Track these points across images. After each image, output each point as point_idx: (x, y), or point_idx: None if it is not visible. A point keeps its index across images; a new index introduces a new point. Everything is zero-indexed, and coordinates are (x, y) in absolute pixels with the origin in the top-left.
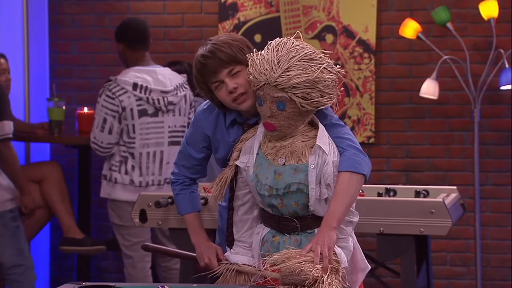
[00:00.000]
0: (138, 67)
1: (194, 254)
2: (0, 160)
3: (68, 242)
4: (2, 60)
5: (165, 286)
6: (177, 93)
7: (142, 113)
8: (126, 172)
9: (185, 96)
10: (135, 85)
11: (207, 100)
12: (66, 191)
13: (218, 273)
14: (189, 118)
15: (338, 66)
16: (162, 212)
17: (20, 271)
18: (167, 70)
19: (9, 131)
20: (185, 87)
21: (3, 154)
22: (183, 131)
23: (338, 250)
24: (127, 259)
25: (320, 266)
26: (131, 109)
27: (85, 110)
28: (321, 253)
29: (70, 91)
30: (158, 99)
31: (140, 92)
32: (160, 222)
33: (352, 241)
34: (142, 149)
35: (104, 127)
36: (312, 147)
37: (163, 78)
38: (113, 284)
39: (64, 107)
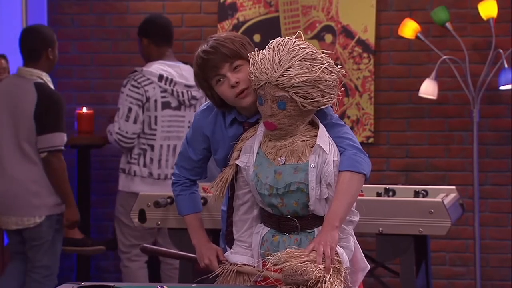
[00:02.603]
0: (162, 61)
1: (194, 255)
2: (49, 171)
3: (67, 242)
4: (3, 61)
5: (164, 286)
6: (199, 89)
7: (166, 105)
8: (145, 165)
9: None
10: (160, 77)
11: (207, 101)
12: None
13: (218, 274)
14: None
15: (338, 66)
16: (161, 212)
17: (45, 273)
18: (188, 67)
19: (60, 143)
20: None
21: (53, 165)
22: None
23: (340, 250)
24: (123, 254)
25: (323, 266)
26: (155, 100)
27: (85, 110)
28: (323, 253)
29: (69, 91)
30: (182, 92)
31: (165, 84)
32: (159, 222)
33: (353, 240)
34: (163, 142)
35: (129, 117)
36: (312, 147)
37: (186, 73)
38: (112, 284)
39: None
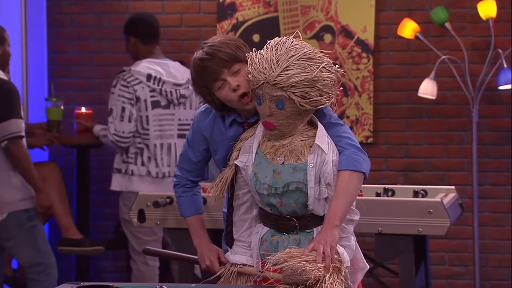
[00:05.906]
0: (150, 59)
1: (196, 257)
2: (12, 159)
3: (66, 242)
4: None
5: (164, 286)
6: (188, 87)
7: (155, 104)
8: (143, 164)
9: None
10: (149, 76)
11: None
12: (65, 191)
13: (220, 275)
14: None
15: (336, 65)
16: (160, 212)
17: (39, 270)
18: (177, 64)
19: (17, 130)
20: None
21: (14, 153)
22: None
23: (340, 249)
24: (138, 255)
25: (323, 266)
26: (145, 100)
27: (83, 110)
28: (323, 252)
29: (68, 91)
30: (170, 91)
31: (154, 83)
32: (158, 222)
33: (353, 240)
34: (156, 141)
35: (123, 116)
36: (311, 146)
37: (175, 71)
38: (111, 284)
39: (62, 107)
